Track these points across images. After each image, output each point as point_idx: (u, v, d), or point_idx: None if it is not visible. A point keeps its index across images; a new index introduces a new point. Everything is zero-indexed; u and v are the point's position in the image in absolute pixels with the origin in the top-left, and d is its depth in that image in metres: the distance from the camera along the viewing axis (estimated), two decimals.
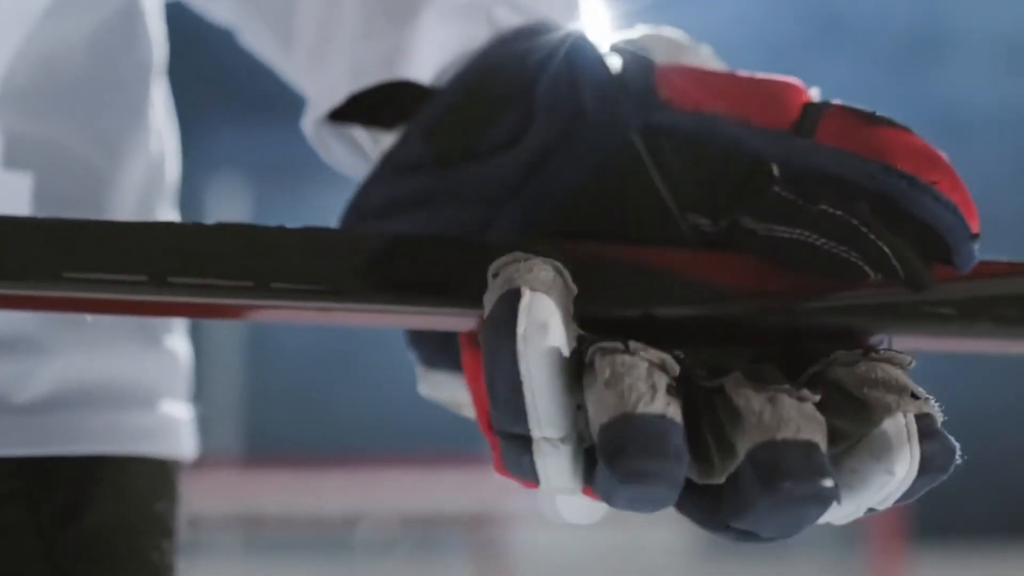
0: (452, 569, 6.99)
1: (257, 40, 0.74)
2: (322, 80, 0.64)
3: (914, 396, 0.47)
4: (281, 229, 0.51)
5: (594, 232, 0.53)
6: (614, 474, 0.44)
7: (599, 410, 0.45)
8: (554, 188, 0.55)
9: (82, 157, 0.72)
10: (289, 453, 8.06)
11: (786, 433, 0.45)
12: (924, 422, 0.47)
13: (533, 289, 0.47)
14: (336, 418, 10.30)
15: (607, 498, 0.46)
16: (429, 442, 6.45)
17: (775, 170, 0.50)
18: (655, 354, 0.46)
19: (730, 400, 0.46)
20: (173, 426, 0.76)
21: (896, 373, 0.47)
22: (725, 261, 0.51)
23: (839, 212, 0.49)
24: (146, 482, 0.75)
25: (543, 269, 0.47)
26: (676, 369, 0.46)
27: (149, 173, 0.76)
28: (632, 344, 0.46)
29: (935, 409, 0.47)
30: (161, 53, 0.77)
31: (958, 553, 7.87)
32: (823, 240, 0.49)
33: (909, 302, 0.51)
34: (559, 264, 0.48)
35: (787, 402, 0.45)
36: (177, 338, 0.78)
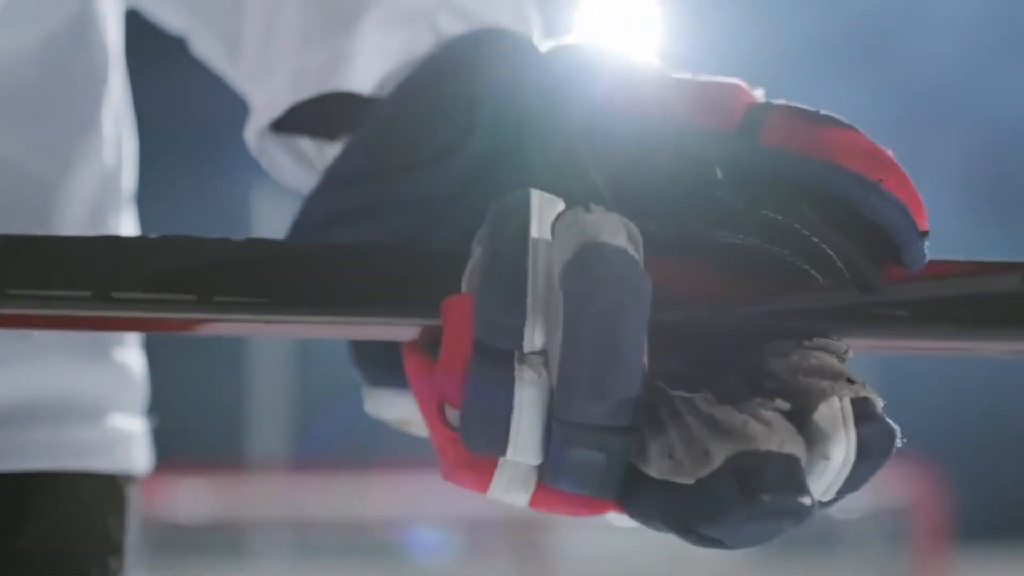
0: (499, 573, 6.99)
1: (206, 49, 0.73)
2: (264, 90, 0.63)
3: (850, 381, 0.46)
4: (224, 241, 0.51)
5: None
6: (575, 290, 0.45)
7: (563, 250, 0.46)
8: (498, 195, 0.54)
9: (28, 168, 0.71)
10: (337, 457, 8.08)
11: (770, 445, 0.44)
12: (861, 406, 0.46)
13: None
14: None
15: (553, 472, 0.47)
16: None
17: (719, 173, 0.50)
18: (620, 216, 0.47)
19: (703, 408, 0.46)
20: (122, 440, 0.75)
21: (830, 360, 0.47)
22: (672, 266, 0.50)
23: (780, 217, 0.48)
24: (91, 497, 0.73)
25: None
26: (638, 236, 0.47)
27: (102, 183, 0.75)
28: (593, 205, 0.48)
29: (873, 393, 0.46)
30: (118, 60, 0.77)
31: (1001, 554, 7.81)
32: (767, 246, 0.49)
33: (862, 304, 0.50)
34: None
35: (770, 414, 0.45)
36: (129, 351, 0.77)
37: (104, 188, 0.75)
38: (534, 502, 0.50)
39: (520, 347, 0.46)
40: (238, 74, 0.69)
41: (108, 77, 0.75)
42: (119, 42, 0.77)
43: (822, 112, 0.50)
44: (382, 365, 0.58)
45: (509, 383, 0.46)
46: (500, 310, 0.46)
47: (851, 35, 7.84)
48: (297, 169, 0.65)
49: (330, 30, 0.62)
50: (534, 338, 0.46)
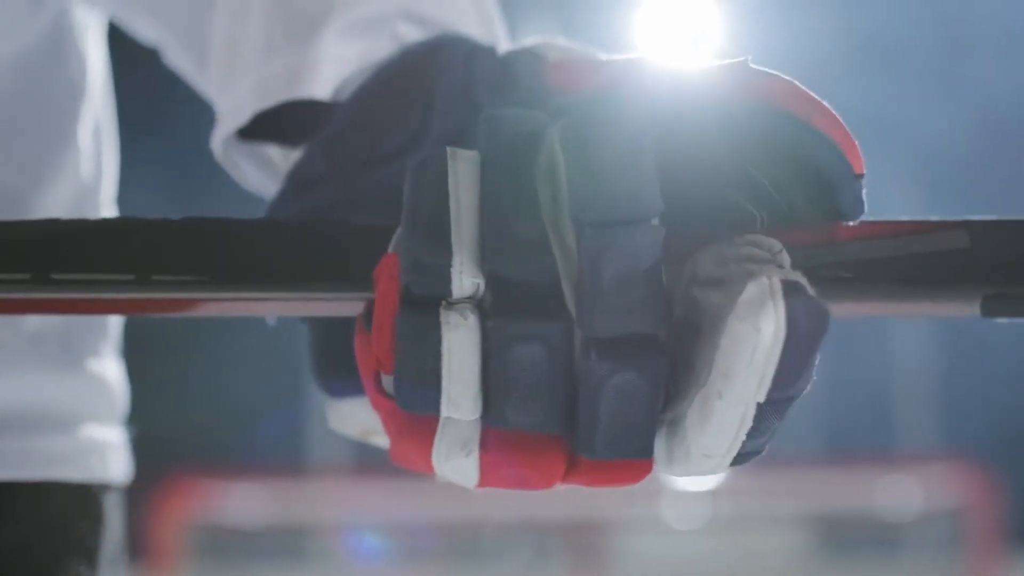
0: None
1: (177, 59, 0.73)
2: (230, 99, 0.64)
3: (780, 267, 0.46)
4: (162, 220, 0.51)
5: None
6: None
7: None
8: None
9: (1, 180, 0.72)
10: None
11: None
12: (793, 285, 0.44)
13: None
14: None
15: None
16: None
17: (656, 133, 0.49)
18: None
19: None
20: (96, 450, 0.75)
21: (758, 252, 0.47)
22: None
23: (716, 154, 0.48)
24: (63, 506, 0.74)
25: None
26: None
27: (78, 194, 0.75)
28: None
29: (803, 279, 0.45)
30: (98, 72, 0.77)
31: None
32: (706, 188, 0.49)
33: (806, 266, 0.50)
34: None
35: None
36: (104, 361, 0.77)
37: (80, 199, 0.76)
38: (483, 476, 0.49)
39: (448, 290, 0.46)
40: (206, 83, 0.70)
41: (85, 89, 0.76)
42: (100, 53, 0.78)
43: (759, 67, 0.50)
44: (342, 376, 0.58)
45: (436, 330, 0.46)
46: (424, 249, 0.46)
47: (920, 37, 7.80)
48: (263, 176, 0.65)
49: (292, 39, 0.62)
50: (462, 279, 0.46)
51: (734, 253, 0.47)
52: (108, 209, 0.79)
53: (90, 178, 0.76)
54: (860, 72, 7.44)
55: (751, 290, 0.44)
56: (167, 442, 6.73)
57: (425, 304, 0.46)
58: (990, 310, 0.50)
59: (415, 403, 0.47)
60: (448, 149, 0.47)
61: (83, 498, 0.75)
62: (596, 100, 0.46)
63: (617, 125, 0.45)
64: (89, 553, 0.74)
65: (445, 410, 0.47)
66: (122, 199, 0.81)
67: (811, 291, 0.45)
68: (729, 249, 0.47)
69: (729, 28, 7.55)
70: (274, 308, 0.52)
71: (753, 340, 0.44)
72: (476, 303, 0.46)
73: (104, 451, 0.76)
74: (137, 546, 6.03)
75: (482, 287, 0.46)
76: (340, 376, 0.58)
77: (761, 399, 0.45)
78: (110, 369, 0.77)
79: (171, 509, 5.90)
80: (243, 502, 6.19)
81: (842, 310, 0.51)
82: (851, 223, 0.50)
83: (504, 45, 0.65)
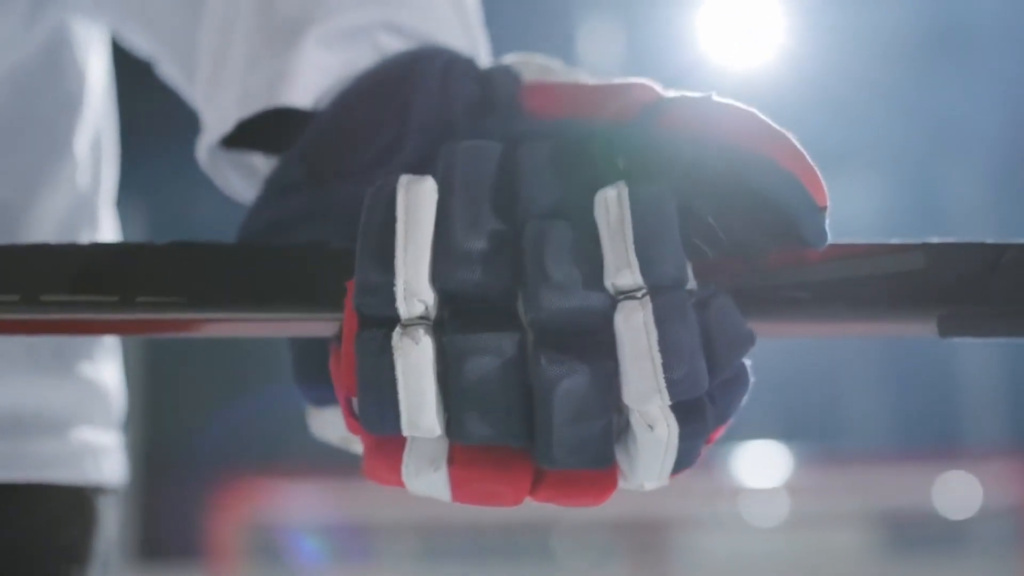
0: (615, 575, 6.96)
1: (169, 72, 0.75)
2: (215, 109, 0.65)
3: None
4: (146, 245, 0.53)
5: None
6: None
7: None
8: None
9: None
10: None
11: None
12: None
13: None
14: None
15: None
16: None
17: (621, 164, 0.51)
18: None
19: None
20: (88, 453, 0.77)
21: None
22: None
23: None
24: (52, 509, 0.75)
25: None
26: None
27: (73, 205, 0.77)
28: None
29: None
30: (98, 83, 0.78)
31: None
32: None
33: (763, 287, 0.51)
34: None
35: None
36: (98, 365, 0.78)
37: (75, 210, 0.77)
38: (455, 491, 0.50)
39: (394, 309, 0.47)
40: (194, 94, 0.71)
41: (83, 102, 0.77)
42: (101, 65, 0.79)
43: (721, 99, 0.51)
44: (323, 385, 0.59)
45: (389, 354, 0.47)
46: (370, 271, 0.47)
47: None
48: (248, 184, 0.66)
49: (274, 49, 0.63)
50: (406, 300, 0.47)
51: None
52: (107, 219, 0.80)
53: (87, 189, 0.78)
54: (927, 66, 7.38)
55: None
56: (224, 443, 6.77)
57: (378, 327, 0.47)
58: (946, 329, 0.52)
59: (377, 426, 0.48)
60: (403, 176, 0.48)
61: (75, 500, 0.76)
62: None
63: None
64: (80, 555, 0.76)
65: (406, 430, 0.48)
66: (128, 205, 0.82)
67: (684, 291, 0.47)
68: None
69: (792, 22, 7.51)
70: (254, 328, 0.54)
71: (627, 334, 0.46)
72: (433, 322, 0.48)
73: (98, 454, 0.77)
74: (195, 546, 6.06)
75: (434, 306, 0.47)
76: (320, 385, 0.59)
77: (666, 396, 0.47)
78: (105, 374, 0.78)
79: (229, 509, 5.93)
80: (300, 502, 6.22)
81: (798, 330, 0.53)
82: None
83: (485, 56, 0.66)
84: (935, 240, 0.52)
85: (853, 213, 7.23)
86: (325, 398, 0.60)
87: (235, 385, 7.31)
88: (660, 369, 0.46)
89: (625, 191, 0.47)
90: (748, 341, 0.49)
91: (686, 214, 0.49)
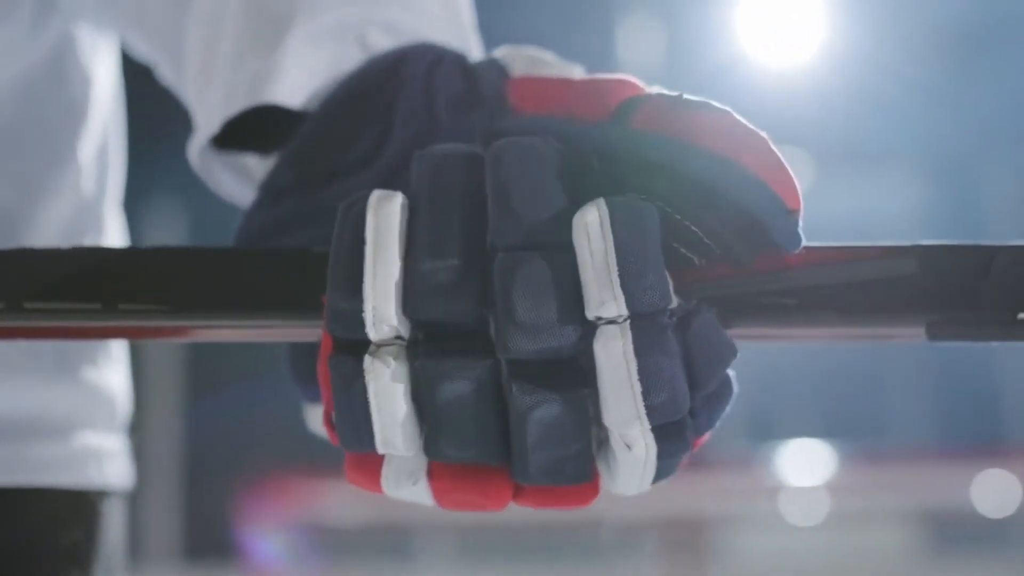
0: (652, 574, 6.95)
1: (166, 75, 0.75)
2: (203, 108, 0.65)
3: None
4: (129, 250, 0.53)
5: None
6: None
7: None
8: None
9: None
10: None
11: None
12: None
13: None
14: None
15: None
16: None
17: (594, 162, 0.50)
18: None
19: None
20: (91, 456, 0.77)
21: None
22: None
23: (642, 197, 0.48)
24: (53, 512, 0.75)
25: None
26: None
27: (76, 211, 0.77)
28: None
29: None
30: (104, 89, 0.78)
31: None
32: None
33: (749, 293, 0.50)
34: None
35: None
36: (103, 371, 0.78)
37: (79, 215, 0.77)
38: (438, 500, 0.50)
39: (363, 334, 0.47)
40: (186, 95, 0.71)
41: (88, 108, 0.77)
42: (109, 71, 0.79)
43: (696, 99, 0.50)
44: (317, 383, 0.59)
45: (361, 377, 0.47)
46: (339, 296, 0.47)
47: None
48: (240, 185, 0.66)
49: (260, 46, 0.63)
50: (375, 325, 0.47)
51: None
52: (113, 222, 0.80)
53: (92, 194, 0.78)
54: (968, 62, 7.35)
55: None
56: (264, 442, 6.78)
57: (350, 351, 0.47)
58: (935, 334, 0.51)
59: (354, 444, 0.48)
60: (373, 193, 0.47)
61: (77, 504, 0.76)
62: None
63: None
64: (83, 558, 0.76)
65: (381, 449, 0.48)
66: (142, 209, 0.82)
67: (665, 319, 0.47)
68: None
69: (832, 18, 7.48)
70: (237, 335, 0.54)
71: (607, 363, 0.46)
72: (408, 341, 0.47)
73: (101, 458, 0.77)
74: (235, 546, 6.08)
75: (406, 328, 0.47)
76: (315, 383, 0.59)
77: (646, 421, 0.46)
78: (109, 378, 0.78)
79: (267, 509, 5.94)
80: (344, 501, 6.23)
81: (784, 335, 0.52)
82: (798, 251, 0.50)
83: (476, 51, 0.65)
84: (925, 243, 0.51)
85: (893, 210, 7.20)
86: (319, 396, 0.60)
87: (275, 384, 7.33)
88: (640, 397, 0.46)
89: (607, 215, 0.46)
90: (730, 355, 0.49)
91: (665, 217, 0.48)
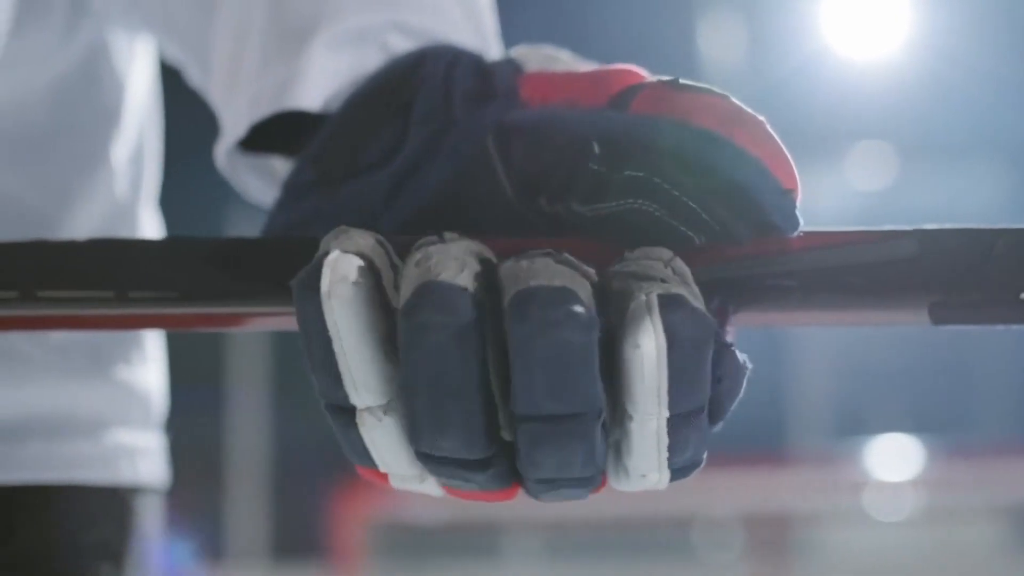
0: (738, 570, 6.92)
1: (194, 79, 0.76)
2: (230, 113, 0.66)
3: (663, 281, 0.47)
4: (140, 240, 0.54)
5: (454, 229, 0.54)
6: (408, 328, 0.45)
7: (405, 289, 0.46)
8: (423, 193, 0.56)
9: (29, 203, 0.75)
10: None
11: (539, 280, 0.45)
12: (670, 298, 0.46)
13: (343, 250, 0.48)
14: None
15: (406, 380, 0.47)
16: (739, 443, 6.39)
17: (595, 148, 0.50)
18: (469, 243, 0.48)
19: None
20: (123, 454, 0.78)
21: (647, 264, 0.47)
22: (566, 246, 0.51)
23: (641, 174, 0.49)
24: (85, 509, 0.76)
25: (360, 236, 0.48)
26: (490, 256, 0.48)
27: (109, 215, 0.78)
28: (447, 234, 0.48)
29: (689, 291, 0.47)
30: (138, 93, 0.79)
31: None
32: (636, 204, 0.49)
33: (750, 275, 0.50)
34: (382, 238, 0.49)
35: (543, 260, 0.46)
36: (136, 368, 0.79)
37: (112, 219, 0.78)
38: (447, 493, 0.52)
39: (351, 404, 0.48)
40: (213, 99, 0.72)
41: (121, 112, 0.78)
42: (144, 75, 0.80)
43: (694, 83, 0.51)
44: None
45: (355, 429, 0.48)
46: (325, 384, 0.48)
47: None
48: (266, 187, 0.67)
49: (284, 52, 0.64)
50: (362, 397, 0.48)
51: (622, 270, 0.48)
52: (148, 225, 0.81)
53: (126, 197, 0.79)
54: None
55: (632, 306, 0.46)
56: None
57: (341, 411, 0.49)
58: (938, 318, 0.51)
59: (363, 466, 0.50)
60: (324, 274, 0.47)
61: (109, 501, 0.77)
62: None
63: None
64: (115, 555, 0.77)
65: (385, 470, 0.50)
66: (174, 209, 0.83)
67: (695, 301, 0.46)
68: (619, 266, 0.48)
69: (916, 12, 7.42)
70: (251, 323, 0.55)
71: (635, 356, 0.45)
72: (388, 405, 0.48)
73: (134, 455, 0.78)
74: (324, 545, 6.12)
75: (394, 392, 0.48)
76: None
77: (667, 414, 0.46)
78: (143, 376, 0.79)
79: (353, 507, 5.98)
80: (425, 499, 6.25)
81: (786, 319, 0.52)
82: (799, 233, 0.51)
83: (497, 53, 0.66)
84: (927, 226, 0.51)
85: (977, 204, 7.13)
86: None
87: None
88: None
89: (663, 340, 0.45)
90: (743, 381, 0.50)
91: (663, 194, 0.49)
